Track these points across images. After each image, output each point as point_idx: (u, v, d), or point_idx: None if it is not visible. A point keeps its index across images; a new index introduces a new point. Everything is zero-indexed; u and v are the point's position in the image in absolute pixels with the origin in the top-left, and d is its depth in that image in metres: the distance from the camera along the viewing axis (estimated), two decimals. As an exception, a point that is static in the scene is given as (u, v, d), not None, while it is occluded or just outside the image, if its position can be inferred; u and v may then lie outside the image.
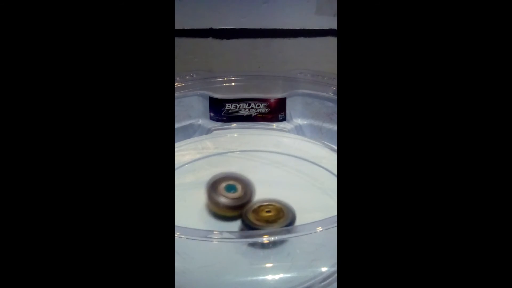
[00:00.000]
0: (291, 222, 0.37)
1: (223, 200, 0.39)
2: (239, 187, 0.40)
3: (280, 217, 0.37)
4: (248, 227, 0.37)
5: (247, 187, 0.40)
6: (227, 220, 0.40)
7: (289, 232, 0.31)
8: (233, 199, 0.39)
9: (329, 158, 0.51)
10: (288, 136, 0.57)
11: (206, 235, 0.31)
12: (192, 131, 0.58)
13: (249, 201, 0.39)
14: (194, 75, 0.58)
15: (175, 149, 0.52)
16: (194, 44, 0.63)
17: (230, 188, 0.40)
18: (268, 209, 0.38)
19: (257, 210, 0.38)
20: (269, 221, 0.37)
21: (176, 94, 0.55)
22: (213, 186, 0.40)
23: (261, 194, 0.40)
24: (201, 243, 0.30)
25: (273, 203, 0.38)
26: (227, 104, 0.58)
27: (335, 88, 0.55)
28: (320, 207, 0.42)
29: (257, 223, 0.37)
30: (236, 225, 0.39)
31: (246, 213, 0.38)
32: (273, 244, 0.33)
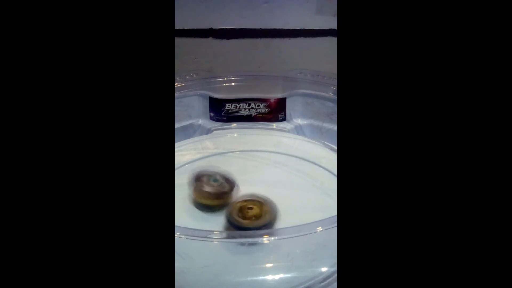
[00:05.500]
0: (274, 217, 0.38)
1: (207, 188, 0.42)
2: (220, 178, 0.43)
3: (264, 213, 0.38)
4: (234, 226, 0.38)
5: (228, 180, 0.43)
6: (213, 211, 0.41)
7: (289, 232, 0.31)
8: (217, 186, 0.42)
9: (329, 158, 0.51)
10: (288, 136, 0.57)
11: (206, 235, 0.31)
12: (192, 131, 0.58)
13: (231, 189, 0.42)
14: (194, 75, 0.58)
15: (175, 149, 0.52)
16: (194, 44, 0.63)
17: (213, 180, 0.43)
18: (250, 206, 0.39)
19: (241, 209, 0.39)
20: (252, 219, 0.38)
21: (176, 94, 0.55)
22: (196, 178, 0.43)
23: (260, 193, 0.41)
24: (201, 243, 0.30)
25: (255, 199, 0.40)
26: (227, 104, 0.58)
27: (335, 88, 0.55)
28: (320, 207, 0.42)
29: (243, 221, 0.38)
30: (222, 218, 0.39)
31: (231, 212, 0.39)
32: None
